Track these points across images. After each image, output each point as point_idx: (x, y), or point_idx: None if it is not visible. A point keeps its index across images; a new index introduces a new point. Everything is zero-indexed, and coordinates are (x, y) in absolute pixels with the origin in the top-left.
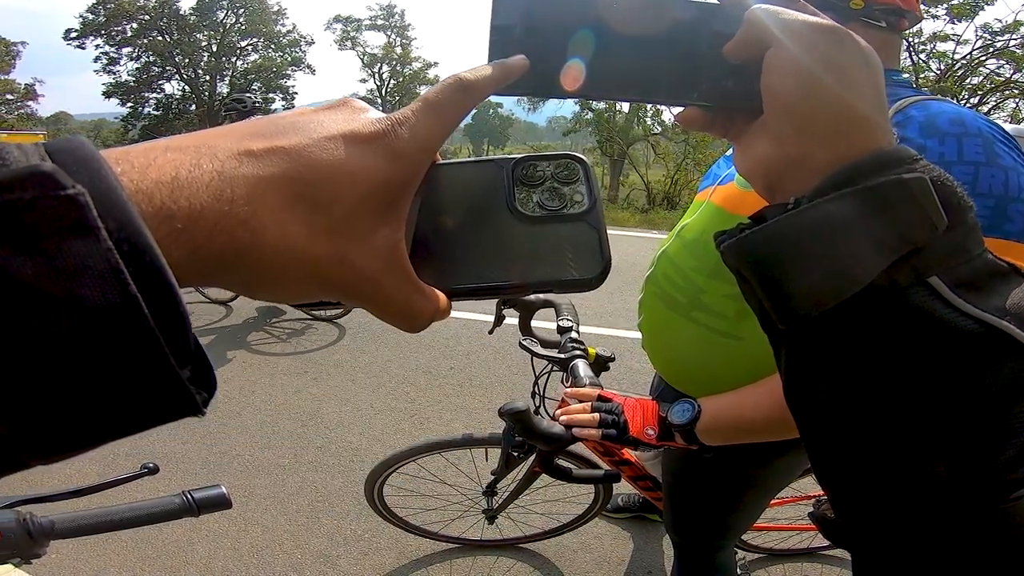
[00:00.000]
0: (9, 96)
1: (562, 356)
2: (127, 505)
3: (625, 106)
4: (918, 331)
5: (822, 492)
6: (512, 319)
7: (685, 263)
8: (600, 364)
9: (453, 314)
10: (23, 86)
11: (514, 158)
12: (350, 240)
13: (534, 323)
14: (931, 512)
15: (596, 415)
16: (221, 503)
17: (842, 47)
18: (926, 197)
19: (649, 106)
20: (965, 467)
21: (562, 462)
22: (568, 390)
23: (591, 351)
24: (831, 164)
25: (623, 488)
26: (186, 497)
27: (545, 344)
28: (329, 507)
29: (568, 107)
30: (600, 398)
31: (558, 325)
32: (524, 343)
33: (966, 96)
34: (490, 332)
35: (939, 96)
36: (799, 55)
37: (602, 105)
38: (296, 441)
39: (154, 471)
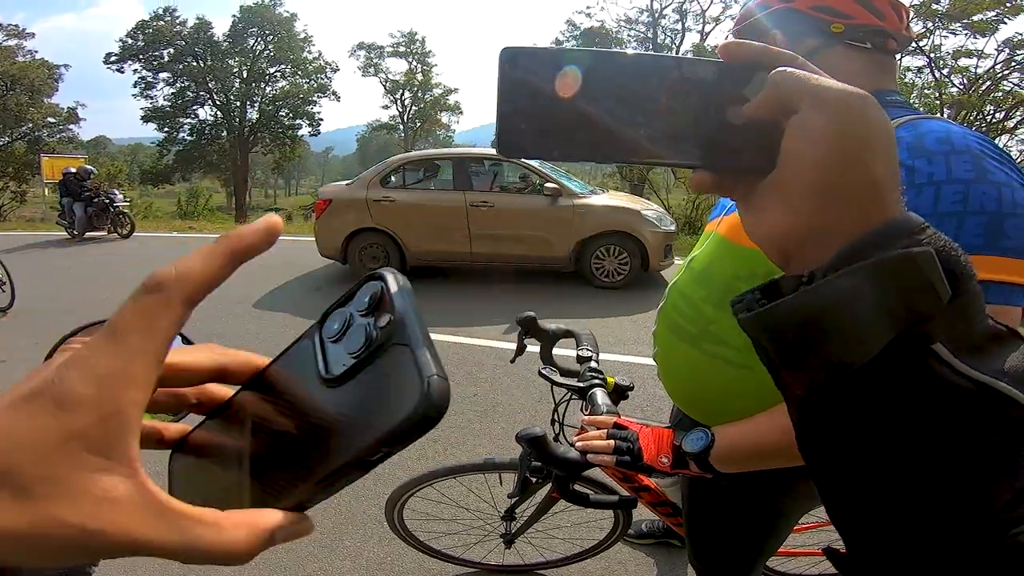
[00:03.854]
0: (51, 119)
1: (581, 385)
2: None
3: None
4: (924, 393)
5: None
6: (534, 347)
7: (694, 294)
8: (619, 393)
9: (477, 341)
10: (65, 109)
11: (319, 318)
12: (54, 502)
13: (558, 351)
14: (937, 549)
15: (611, 442)
16: None
17: (868, 116)
18: (932, 270)
19: None
20: (967, 510)
21: (580, 488)
22: (586, 418)
23: (610, 380)
24: (849, 234)
25: (647, 514)
26: None
27: (565, 373)
28: (353, 529)
29: None
30: (616, 425)
31: (578, 355)
32: (543, 372)
33: (991, 110)
34: (512, 361)
35: (931, 115)
36: (830, 123)
37: None
38: None
39: None
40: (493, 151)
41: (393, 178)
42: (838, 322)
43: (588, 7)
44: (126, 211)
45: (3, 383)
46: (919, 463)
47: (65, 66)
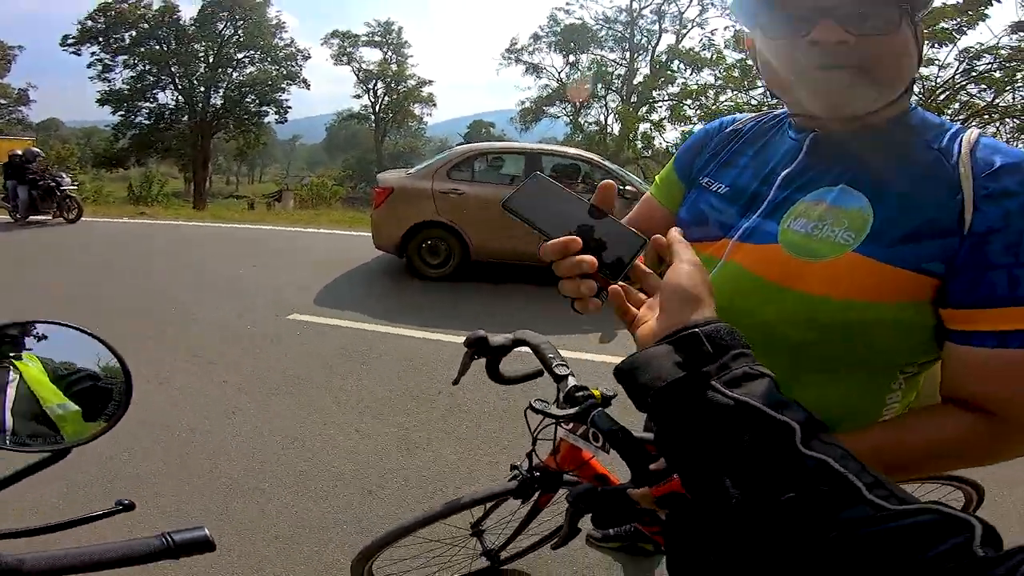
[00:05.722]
0: (2, 101)
1: (577, 410)
2: (102, 545)
3: (615, 129)
4: (703, 406)
5: None
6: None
7: None
8: (605, 404)
9: (443, 337)
10: (16, 91)
11: None
12: None
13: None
14: (723, 513)
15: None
16: (203, 545)
17: (701, 265)
18: (698, 341)
19: (640, 131)
20: (736, 484)
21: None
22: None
23: (596, 393)
24: (675, 325)
25: None
26: (166, 539)
27: (515, 379)
28: (309, 534)
29: (560, 128)
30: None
31: (555, 373)
32: (537, 407)
33: (949, 121)
34: (454, 383)
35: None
36: (684, 269)
37: (593, 127)
38: (277, 464)
39: (130, 507)
40: (569, 149)
41: (461, 169)
42: (645, 365)
43: (568, 3)
44: (73, 195)
45: None
46: (701, 451)
47: (20, 47)
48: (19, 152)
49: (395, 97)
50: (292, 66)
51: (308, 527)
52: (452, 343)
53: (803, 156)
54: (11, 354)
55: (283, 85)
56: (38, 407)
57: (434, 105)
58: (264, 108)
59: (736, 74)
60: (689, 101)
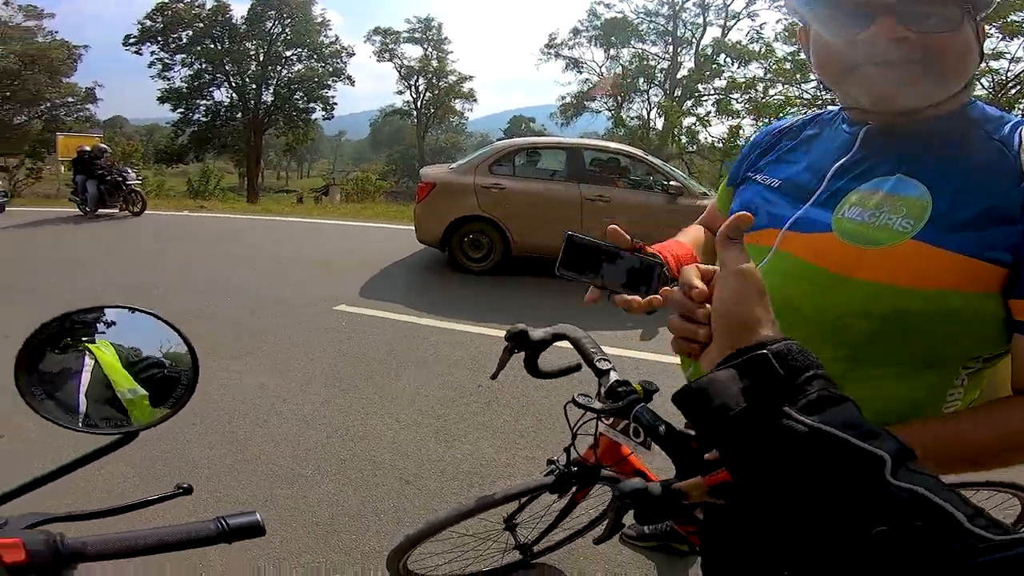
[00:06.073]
0: (70, 99)
1: (620, 405)
2: (161, 529)
3: (659, 123)
4: (776, 434)
5: None
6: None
7: None
8: (647, 399)
9: (482, 331)
10: (83, 89)
11: None
12: None
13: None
14: (803, 543)
15: None
16: (255, 530)
17: (750, 277)
18: (768, 365)
19: (684, 125)
20: (819, 518)
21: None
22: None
23: (638, 388)
24: (733, 349)
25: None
26: (221, 523)
27: (552, 374)
28: (349, 521)
29: (601, 122)
30: None
31: (596, 368)
32: (580, 401)
33: (1018, 115)
34: (492, 377)
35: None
36: (727, 285)
37: (635, 122)
38: (320, 452)
39: (188, 491)
40: (610, 144)
41: (503, 164)
42: (709, 392)
43: None
44: (138, 189)
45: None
46: (774, 479)
47: (85, 47)
48: (88, 148)
49: (436, 93)
50: (337, 63)
51: (347, 515)
52: (494, 336)
53: (857, 147)
54: (85, 339)
55: (329, 82)
56: (111, 391)
57: (475, 100)
58: (312, 105)
59: (787, 67)
60: (736, 95)
